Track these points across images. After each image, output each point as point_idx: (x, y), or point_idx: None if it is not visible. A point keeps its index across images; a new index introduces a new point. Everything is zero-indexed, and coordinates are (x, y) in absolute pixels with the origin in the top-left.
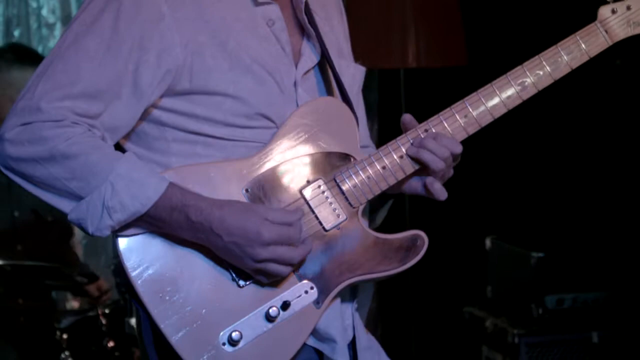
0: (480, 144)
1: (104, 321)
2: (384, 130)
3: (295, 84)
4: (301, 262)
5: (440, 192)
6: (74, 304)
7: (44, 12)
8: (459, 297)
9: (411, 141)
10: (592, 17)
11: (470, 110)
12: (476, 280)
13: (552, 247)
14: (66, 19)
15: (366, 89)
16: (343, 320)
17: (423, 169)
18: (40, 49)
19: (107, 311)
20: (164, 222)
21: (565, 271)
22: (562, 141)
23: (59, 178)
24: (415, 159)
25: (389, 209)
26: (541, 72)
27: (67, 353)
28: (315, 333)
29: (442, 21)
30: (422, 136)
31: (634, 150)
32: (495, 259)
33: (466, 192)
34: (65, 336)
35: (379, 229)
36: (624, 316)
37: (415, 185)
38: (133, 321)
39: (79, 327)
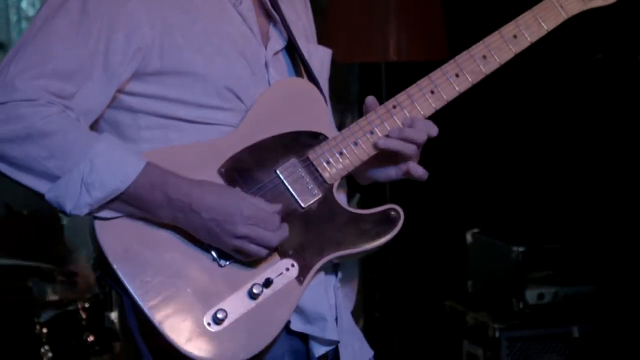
0: (461, 137)
1: (83, 315)
2: None
3: (266, 64)
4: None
5: (422, 173)
6: (53, 297)
7: (24, 4)
8: (439, 291)
9: (381, 118)
10: None
11: (437, 84)
12: (457, 275)
13: (533, 241)
14: None
15: (347, 82)
16: (328, 299)
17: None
18: None
19: (87, 305)
20: (143, 200)
21: (546, 265)
22: (543, 135)
23: (36, 157)
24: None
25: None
26: (501, 46)
27: (46, 347)
28: (303, 314)
29: (423, 15)
30: (391, 112)
31: (614, 144)
32: (476, 253)
33: (447, 186)
34: (45, 330)
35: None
36: (604, 311)
37: (389, 171)
38: (113, 315)
39: (59, 321)
